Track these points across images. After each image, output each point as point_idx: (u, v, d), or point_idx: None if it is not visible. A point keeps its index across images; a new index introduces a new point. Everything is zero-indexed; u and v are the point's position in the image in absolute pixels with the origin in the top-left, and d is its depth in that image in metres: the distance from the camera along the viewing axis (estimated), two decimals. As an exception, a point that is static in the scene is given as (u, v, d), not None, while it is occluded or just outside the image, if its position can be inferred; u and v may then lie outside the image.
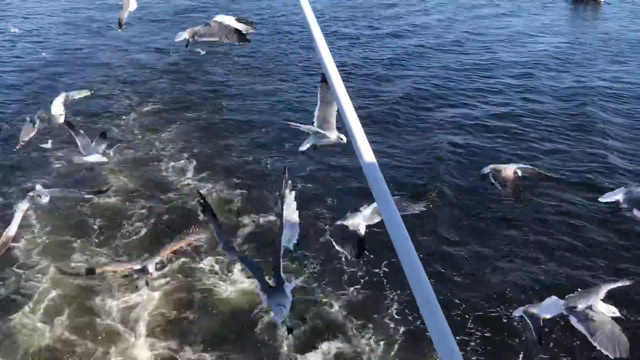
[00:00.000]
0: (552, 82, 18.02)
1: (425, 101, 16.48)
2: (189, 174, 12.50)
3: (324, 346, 7.92)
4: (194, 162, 12.94)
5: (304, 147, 6.18)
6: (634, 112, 15.72)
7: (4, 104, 16.42)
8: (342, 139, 5.84)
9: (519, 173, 6.63)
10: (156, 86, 17.84)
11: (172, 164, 12.96)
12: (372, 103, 16.20)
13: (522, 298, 8.47)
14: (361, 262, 8.88)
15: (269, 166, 12.75)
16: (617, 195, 6.02)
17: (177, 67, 19.53)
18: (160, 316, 8.61)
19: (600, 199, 6.66)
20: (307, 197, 11.04)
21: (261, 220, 10.71)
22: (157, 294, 8.98)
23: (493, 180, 6.72)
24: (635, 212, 5.82)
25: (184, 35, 6.22)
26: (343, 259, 9.17)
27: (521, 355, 7.67)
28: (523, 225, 10.49)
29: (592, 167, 12.47)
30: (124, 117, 15.49)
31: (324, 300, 8.70)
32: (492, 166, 6.95)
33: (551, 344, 7.66)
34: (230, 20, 5.96)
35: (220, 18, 5.95)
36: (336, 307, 8.57)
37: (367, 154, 1.79)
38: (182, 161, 13.04)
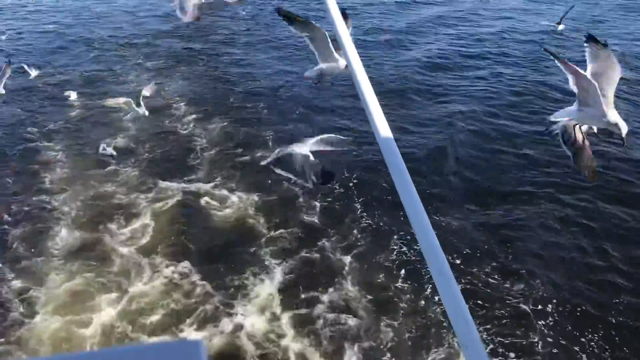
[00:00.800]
0: (564, 50, 18.13)
1: (439, 69, 16.78)
2: (190, 118, 13.83)
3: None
4: (194, 108, 14.27)
5: (310, 74, 6.20)
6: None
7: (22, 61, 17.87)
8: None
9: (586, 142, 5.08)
10: (160, 46, 19.14)
11: (174, 111, 14.29)
12: (385, 71, 16.48)
13: (538, 270, 8.64)
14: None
15: (264, 110, 14.04)
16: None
17: (180, 29, 20.74)
18: (161, 236, 9.68)
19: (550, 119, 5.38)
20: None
21: (257, 154, 11.98)
22: (159, 217, 10.19)
23: (564, 145, 5.26)
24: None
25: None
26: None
27: (534, 328, 7.70)
28: (539, 195, 10.45)
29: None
30: (130, 73, 16.84)
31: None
32: (563, 124, 5.31)
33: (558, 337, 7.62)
34: None
35: None
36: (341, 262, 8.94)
37: (381, 125, 1.73)
38: (184, 107, 14.37)
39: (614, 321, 7.69)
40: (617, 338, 7.47)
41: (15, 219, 9.98)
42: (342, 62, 5.35)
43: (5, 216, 10.06)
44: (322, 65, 5.35)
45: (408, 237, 9.19)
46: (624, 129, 4.34)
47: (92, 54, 18.32)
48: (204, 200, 10.58)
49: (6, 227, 9.78)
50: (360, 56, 1.93)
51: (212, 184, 10.97)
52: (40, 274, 8.76)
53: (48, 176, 11.38)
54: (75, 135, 12.99)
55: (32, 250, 9.26)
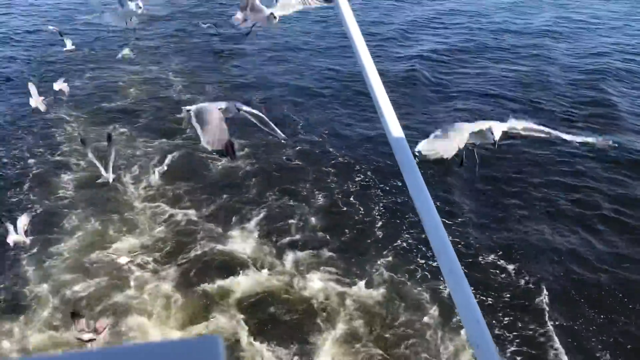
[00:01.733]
0: (568, 45, 18.29)
1: (444, 62, 16.98)
2: (182, 86, 15.26)
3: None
4: (188, 78, 15.70)
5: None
6: None
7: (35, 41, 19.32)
8: (274, 16, 5.48)
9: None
10: (158, 27, 20.52)
11: (170, 80, 15.71)
12: (391, 63, 16.63)
13: (550, 266, 8.56)
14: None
15: (253, 79, 15.44)
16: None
17: (177, 13, 22.11)
18: (160, 182, 10.90)
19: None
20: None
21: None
22: (159, 167, 11.41)
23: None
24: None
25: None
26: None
27: (546, 327, 7.54)
28: (546, 189, 10.38)
29: (599, 124, 12.64)
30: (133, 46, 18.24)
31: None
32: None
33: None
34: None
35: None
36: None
37: (392, 123, 1.70)
38: (179, 77, 15.78)
39: (625, 317, 7.68)
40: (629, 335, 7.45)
41: (29, 169, 11.27)
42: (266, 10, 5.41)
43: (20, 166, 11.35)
44: (245, 11, 5.66)
45: (372, 175, 10.59)
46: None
47: (100, 34, 19.76)
48: (196, 153, 11.80)
49: (22, 174, 11.07)
50: (369, 50, 1.91)
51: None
52: (52, 215, 9.92)
53: (57, 133, 12.74)
54: (81, 100, 14.40)
55: (45, 194, 10.50)
